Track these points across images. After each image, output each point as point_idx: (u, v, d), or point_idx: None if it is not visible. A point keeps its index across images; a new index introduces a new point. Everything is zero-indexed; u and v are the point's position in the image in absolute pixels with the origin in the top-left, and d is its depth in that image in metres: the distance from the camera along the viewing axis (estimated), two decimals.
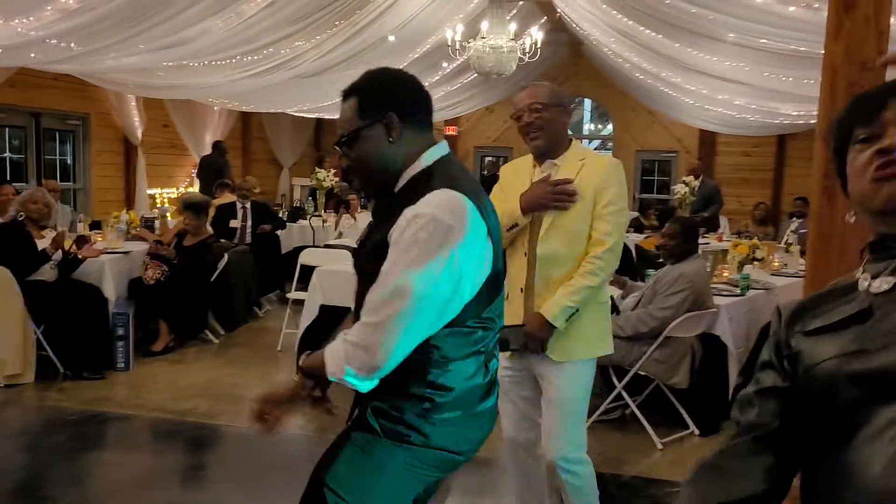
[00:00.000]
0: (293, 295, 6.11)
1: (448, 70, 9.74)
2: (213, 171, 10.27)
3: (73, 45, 6.03)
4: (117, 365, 5.16)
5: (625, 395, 4.13)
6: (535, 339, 2.48)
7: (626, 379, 4.07)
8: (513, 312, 2.47)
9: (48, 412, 4.43)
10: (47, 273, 4.97)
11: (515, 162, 2.72)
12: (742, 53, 6.40)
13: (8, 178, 8.18)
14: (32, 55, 6.24)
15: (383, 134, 1.65)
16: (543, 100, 2.50)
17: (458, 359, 1.61)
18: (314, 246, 7.55)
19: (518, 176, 2.61)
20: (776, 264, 5.83)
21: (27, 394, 4.70)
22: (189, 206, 5.97)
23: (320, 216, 9.44)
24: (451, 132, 13.51)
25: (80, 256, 4.98)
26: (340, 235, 8.37)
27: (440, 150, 1.70)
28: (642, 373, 4.09)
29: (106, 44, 6.07)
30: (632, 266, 6.16)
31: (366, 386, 1.57)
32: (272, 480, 3.55)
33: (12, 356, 4.70)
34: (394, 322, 1.50)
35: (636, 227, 8.50)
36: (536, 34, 7.64)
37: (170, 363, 5.48)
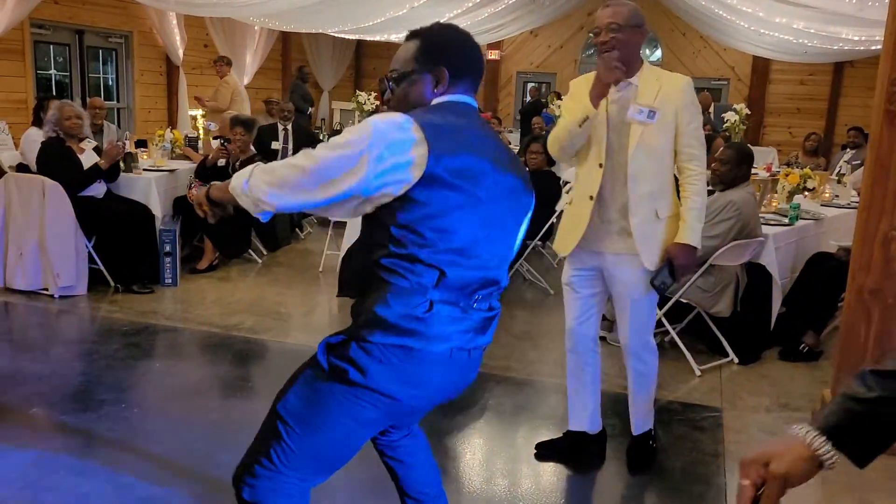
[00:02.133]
0: (335, 217, 6.14)
1: None
2: (298, 95, 10.39)
3: None
4: (165, 280, 5.30)
5: (665, 322, 4.13)
6: (687, 267, 2.73)
7: (668, 306, 4.06)
8: (579, 217, 2.72)
9: (101, 322, 4.59)
10: (96, 189, 5.06)
11: (589, 77, 2.69)
12: None
13: (55, 95, 8.27)
14: None
15: (431, 83, 1.75)
16: (621, 20, 2.59)
17: (403, 298, 1.62)
18: None
19: (590, 87, 2.62)
20: (827, 195, 5.68)
21: (81, 305, 4.87)
22: (240, 122, 5.96)
23: None
24: (493, 56, 13.21)
25: (101, 167, 5.00)
26: None
27: (454, 98, 1.76)
28: (684, 300, 4.07)
29: None
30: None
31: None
32: None
33: (66, 268, 4.85)
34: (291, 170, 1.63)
35: None
36: None
37: (215, 280, 5.61)
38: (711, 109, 8.83)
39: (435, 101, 1.76)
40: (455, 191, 1.61)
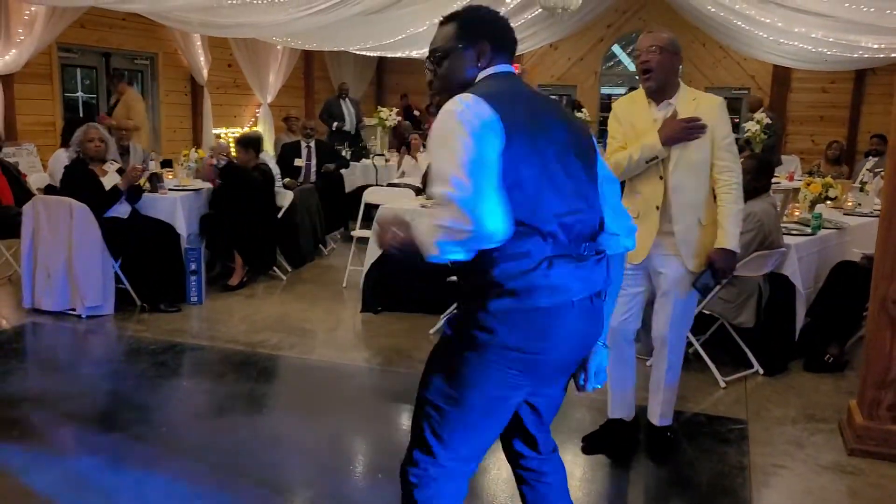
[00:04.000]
0: (358, 233, 6.21)
1: (512, 5, 9.49)
2: (325, 112, 10.53)
3: None
4: (191, 299, 5.38)
5: (689, 333, 4.10)
6: (727, 270, 2.94)
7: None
8: (648, 227, 2.94)
9: (129, 342, 4.66)
10: (121, 209, 5.16)
11: (631, 97, 3.07)
12: None
13: (83, 117, 8.45)
14: None
15: (474, 58, 1.85)
16: (660, 44, 2.90)
17: (516, 260, 1.69)
18: (377, 185, 7.61)
19: (635, 111, 3.00)
20: (850, 203, 5.62)
21: (108, 324, 4.95)
22: (237, 141, 6.20)
23: (383, 155, 9.49)
24: (514, 69, 13.26)
25: (120, 188, 5.09)
26: (403, 175, 8.41)
27: (496, 69, 1.85)
28: (707, 312, 4.06)
29: None
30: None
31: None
32: (338, 411, 3.69)
33: (94, 288, 4.94)
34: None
35: None
36: None
37: (241, 298, 5.68)
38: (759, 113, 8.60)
39: (481, 75, 1.84)
40: (534, 153, 1.70)
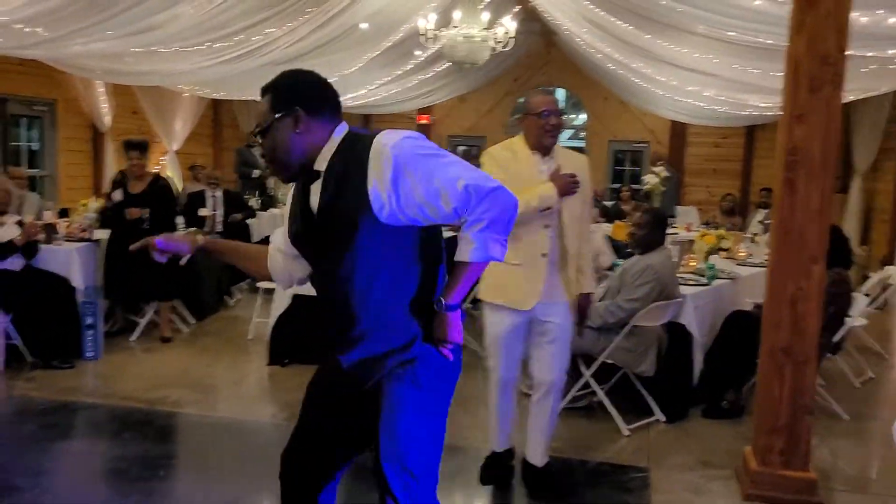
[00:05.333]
0: (264, 284, 6.09)
1: (421, 59, 9.70)
2: (241, 161, 10.32)
3: (39, 29, 5.93)
4: (86, 354, 5.13)
5: (592, 382, 4.21)
6: (585, 311, 3.32)
7: (594, 367, 4.15)
8: (535, 274, 3.10)
9: (17, 401, 4.39)
10: (13, 262, 4.91)
11: (509, 147, 3.23)
12: (710, 45, 6.48)
13: None
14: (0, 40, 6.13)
15: (292, 125, 1.91)
16: (560, 107, 3.24)
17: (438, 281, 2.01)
18: None
19: (518, 160, 3.16)
20: (742, 254, 5.94)
21: None
22: (135, 145, 5.70)
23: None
24: (424, 121, 13.48)
25: (16, 244, 4.87)
26: None
27: (343, 128, 1.98)
28: (610, 361, 4.17)
29: (74, 29, 5.96)
30: None
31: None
32: (244, 468, 3.57)
33: None
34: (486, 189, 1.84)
35: (615, 213, 8.55)
36: (510, 24, 7.65)
37: (139, 352, 5.45)
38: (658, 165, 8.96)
39: (337, 135, 1.94)
40: None
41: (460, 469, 3.65)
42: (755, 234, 6.51)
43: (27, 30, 5.87)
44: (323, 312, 2.03)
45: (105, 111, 9.90)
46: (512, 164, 3.13)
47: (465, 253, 1.87)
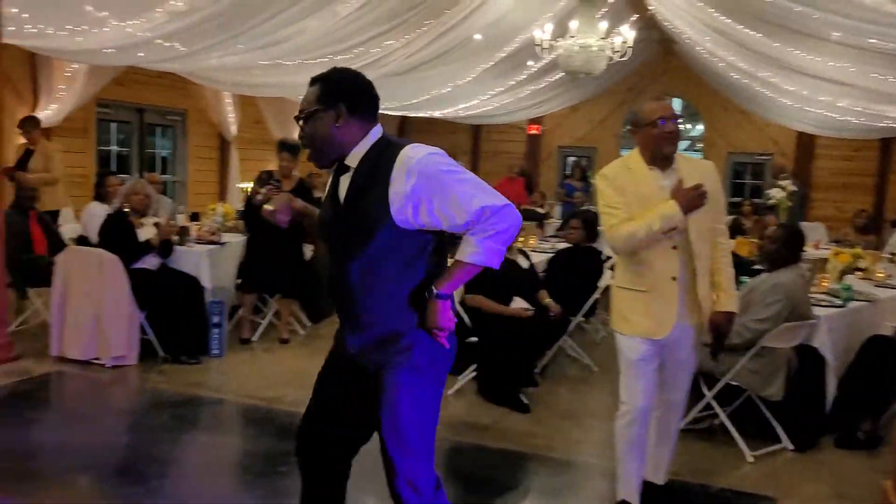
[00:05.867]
0: None
1: (534, 69, 9.68)
2: None
3: (177, 45, 6.31)
4: (212, 351, 5.39)
5: (714, 404, 4.03)
6: (729, 332, 3.04)
7: (717, 388, 3.97)
8: (667, 300, 2.89)
9: (149, 393, 4.66)
10: (150, 261, 5.23)
11: (622, 164, 3.04)
12: (847, 53, 6.13)
13: (114, 170, 8.65)
14: (141, 55, 6.57)
15: (333, 118, 2.07)
16: (678, 113, 3.00)
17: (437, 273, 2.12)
18: None
19: (637, 179, 2.92)
20: (880, 275, 5.55)
21: (131, 375, 4.96)
22: (289, 147, 5.78)
23: None
24: (534, 131, 13.42)
25: (153, 243, 5.16)
26: None
27: (378, 131, 2.13)
28: (734, 383, 3.98)
29: (208, 44, 6.32)
30: None
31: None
32: (354, 469, 3.63)
33: (118, 339, 4.97)
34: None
35: (735, 229, 8.18)
36: (627, 33, 7.51)
37: (259, 352, 5.67)
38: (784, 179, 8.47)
39: (370, 140, 2.10)
40: None
41: (571, 485, 3.58)
42: (894, 254, 6.07)
43: (167, 45, 6.26)
44: (334, 299, 2.20)
45: (231, 121, 10.43)
46: (630, 185, 2.90)
47: (465, 254, 2.01)
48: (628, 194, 2.87)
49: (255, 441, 3.98)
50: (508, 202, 2.00)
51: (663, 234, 2.81)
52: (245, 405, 4.49)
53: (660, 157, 2.90)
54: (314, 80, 2.13)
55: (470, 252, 2.01)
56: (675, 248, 2.88)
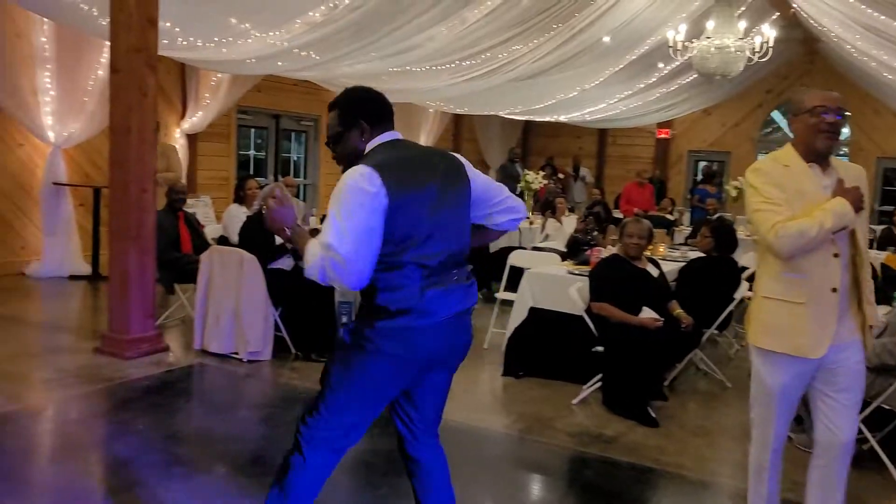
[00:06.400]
0: (502, 295, 6.21)
1: (665, 71, 9.39)
2: (510, 177, 10.85)
3: (313, 54, 6.59)
4: None
5: (864, 428, 3.74)
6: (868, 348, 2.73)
7: (867, 412, 3.69)
8: (825, 314, 2.59)
9: (282, 388, 4.87)
10: (285, 262, 5.47)
11: (776, 158, 2.71)
12: None
13: (252, 173, 9.14)
14: (280, 64, 6.91)
15: (358, 135, 2.31)
16: (844, 106, 2.66)
17: (396, 291, 2.18)
18: (521, 247, 7.62)
19: (796, 176, 2.63)
20: None
21: (265, 370, 5.20)
22: None
23: (527, 217, 9.52)
24: (663, 135, 13.01)
25: (286, 245, 5.37)
26: (547, 238, 8.38)
27: (383, 138, 2.30)
28: (886, 406, 3.68)
29: (342, 53, 6.56)
30: (875, 287, 5.56)
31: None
32: (470, 474, 3.65)
33: (256, 335, 5.23)
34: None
35: (886, 239, 7.59)
36: (768, 32, 7.13)
37: None
38: None
39: (371, 144, 2.29)
40: (410, 211, 2.15)
41: None
42: None
43: (303, 54, 6.55)
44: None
45: None
46: (789, 181, 2.60)
47: (306, 257, 2.17)
48: (789, 191, 2.58)
49: (381, 440, 4.06)
50: (348, 259, 2.06)
51: (833, 234, 2.54)
52: None
53: (814, 151, 2.62)
54: (331, 106, 2.38)
55: (309, 257, 2.14)
56: (836, 255, 2.58)
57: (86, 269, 8.10)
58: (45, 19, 7.10)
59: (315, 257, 2.11)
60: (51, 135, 7.76)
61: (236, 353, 5.31)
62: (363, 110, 2.30)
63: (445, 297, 2.24)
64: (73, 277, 7.96)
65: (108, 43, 5.33)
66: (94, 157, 8.30)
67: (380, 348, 2.20)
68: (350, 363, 2.27)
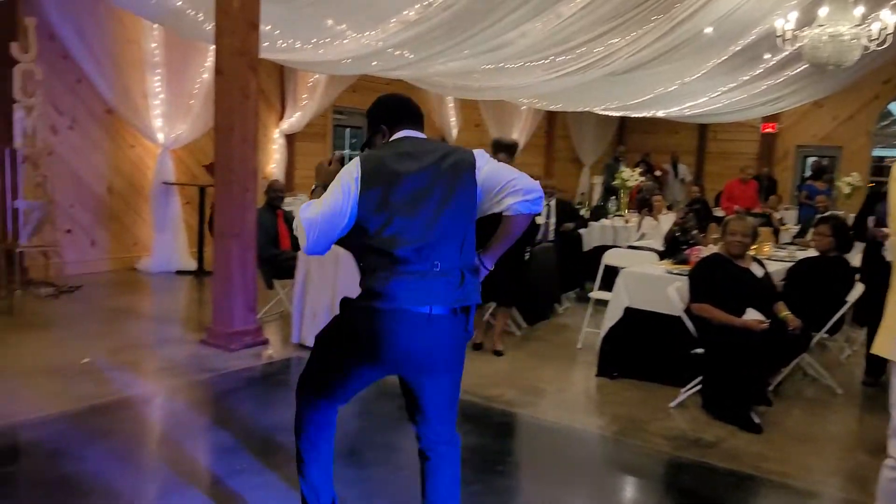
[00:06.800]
0: (596, 294, 6.09)
1: (772, 62, 8.96)
2: (609, 174, 10.85)
3: (406, 53, 6.65)
4: None
5: None
6: None
7: None
8: None
9: (376, 382, 4.90)
10: None
11: None
12: None
13: None
14: (374, 63, 7.01)
15: (381, 138, 2.56)
16: None
17: (368, 271, 2.39)
18: (615, 246, 7.45)
19: None
20: None
21: None
22: (504, 146, 5.61)
23: (622, 216, 9.31)
24: (769, 130, 12.45)
25: None
26: (643, 237, 8.17)
27: (394, 136, 2.52)
28: None
29: (436, 51, 6.59)
30: None
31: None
32: (562, 475, 3.59)
33: None
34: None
35: None
36: (888, 18, 6.67)
37: (472, 351, 5.76)
38: None
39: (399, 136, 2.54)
40: (383, 201, 2.33)
41: None
42: None
43: (397, 53, 6.62)
44: None
45: (453, 124, 10.81)
46: None
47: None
48: None
49: (472, 438, 4.05)
50: (306, 226, 2.35)
51: None
52: (464, 401, 4.57)
53: None
54: (366, 115, 2.67)
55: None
56: None
57: (192, 264, 8.49)
58: (155, 25, 7.48)
59: (301, 217, 2.41)
60: (160, 136, 8.17)
61: None
62: (383, 115, 2.56)
63: (416, 287, 2.34)
64: (179, 272, 8.37)
65: (212, 47, 5.55)
66: (200, 158, 8.68)
67: (354, 327, 2.44)
68: (330, 327, 2.62)
